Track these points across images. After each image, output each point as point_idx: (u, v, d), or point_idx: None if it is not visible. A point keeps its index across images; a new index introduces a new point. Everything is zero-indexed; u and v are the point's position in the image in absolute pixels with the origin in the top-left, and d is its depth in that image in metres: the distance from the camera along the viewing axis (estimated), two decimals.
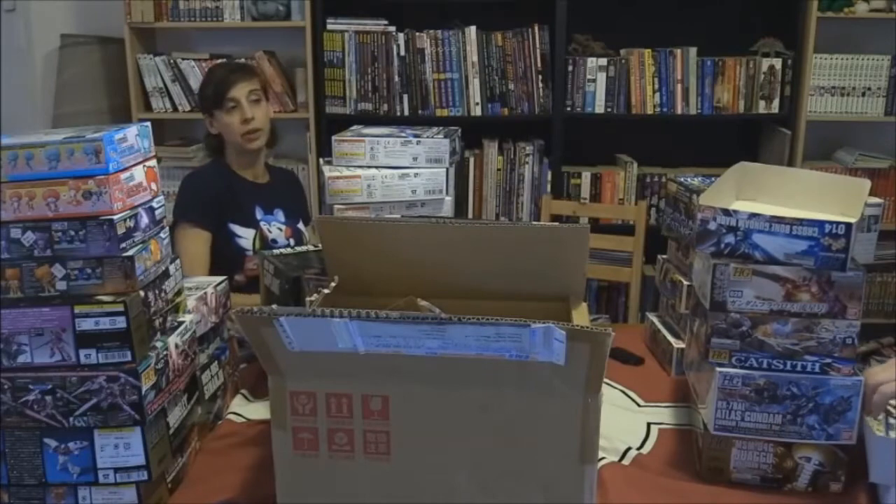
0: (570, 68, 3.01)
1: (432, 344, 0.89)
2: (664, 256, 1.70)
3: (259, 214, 2.18)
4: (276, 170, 2.38)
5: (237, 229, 2.14)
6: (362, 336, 0.89)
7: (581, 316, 1.18)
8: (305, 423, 0.97)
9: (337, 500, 1.00)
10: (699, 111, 3.04)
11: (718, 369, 1.16)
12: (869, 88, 3.03)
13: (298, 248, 1.61)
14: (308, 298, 1.35)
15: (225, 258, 2.07)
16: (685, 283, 1.52)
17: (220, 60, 3.06)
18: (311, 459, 0.98)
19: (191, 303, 1.31)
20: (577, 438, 0.95)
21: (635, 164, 3.11)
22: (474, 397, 0.94)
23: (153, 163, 1.18)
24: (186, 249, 2.08)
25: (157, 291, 1.16)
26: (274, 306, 0.92)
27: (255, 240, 2.14)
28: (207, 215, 2.12)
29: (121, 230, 1.07)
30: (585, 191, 3.14)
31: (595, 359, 0.88)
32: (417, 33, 3.00)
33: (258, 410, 1.42)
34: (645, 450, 1.31)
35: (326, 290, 1.23)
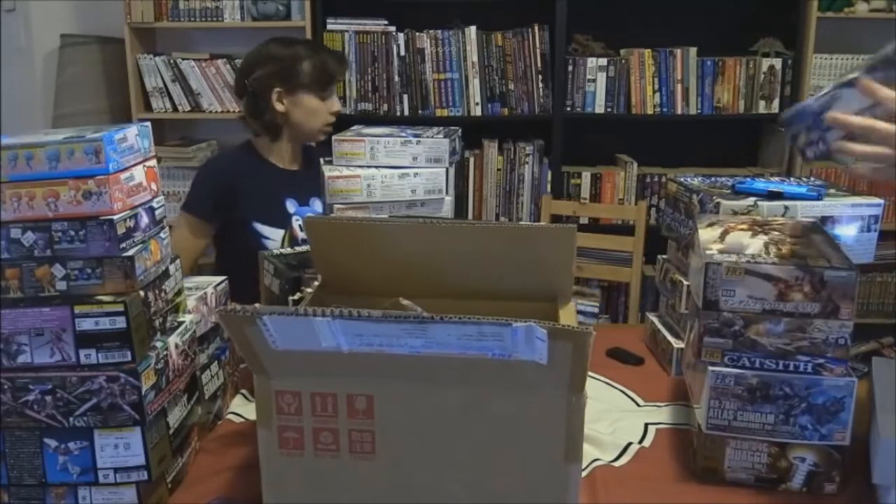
0: (570, 68, 3.01)
1: (415, 343, 0.89)
2: (664, 256, 1.70)
3: (292, 207, 2.07)
4: (310, 150, 2.22)
5: (263, 229, 2.03)
6: (345, 335, 0.89)
7: (568, 315, 1.18)
8: (291, 423, 0.97)
9: (322, 500, 1.00)
10: (699, 111, 3.04)
11: (710, 368, 1.16)
12: None
13: (298, 248, 1.61)
14: (291, 297, 1.35)
15: (251, 261, 1.77)
16: (685, 283, 1.52)
17: (221, 59, 3.06)
18: (296, 459, 0.98)
19: (191, 303, 1.31)
20: (562, 437, 0.94)
21: (635, 164, 3.11)
22: (458, 397, 0.94)
23: (153, 163, 1.18)
24: (172, 237, 2.04)
25: (157, 291, 1.16)
26: (257, 305, 0.93)
27: (284, 240, 2.04)
28: (211, 207, 2.05)
29: (121, 230, 1.07)
30: (585, 191, 3.14)
31: (578, 357, 0.88)
32: (417, 33, 3.00)
33: None
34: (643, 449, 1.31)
35: (310, 290, 1.23)
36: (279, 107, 2.08)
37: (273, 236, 2.05)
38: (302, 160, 2.18)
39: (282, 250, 1.60)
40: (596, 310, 2.85)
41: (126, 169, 1.10)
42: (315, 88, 2.09)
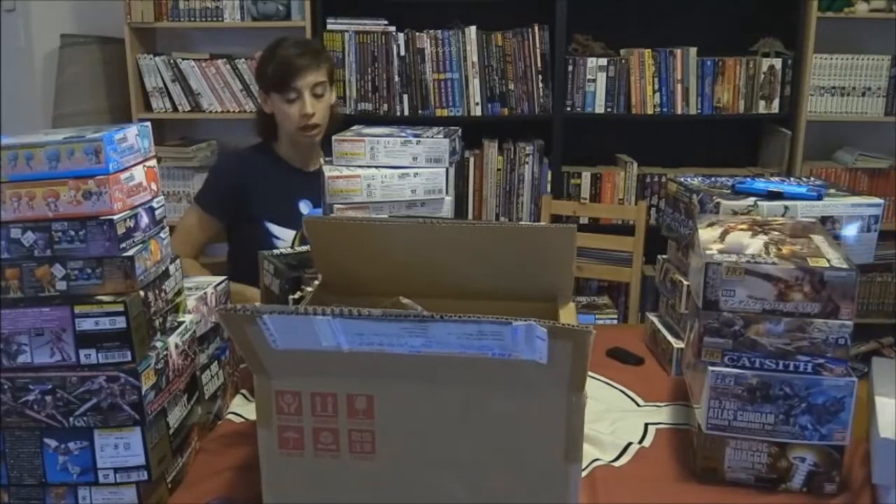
0: (570, 68, 3.01)
1: (415, 342, 0.89)
2: (664, 256, 1.70)
3: (306, 209, 2.03)
4: None
5: (275, 229, 2.01)
6: (345, 334, 0.89)
7: (568, 315, 1.18)
8: (291, 423, 0.97)
9: (322, 500, 1.00)
10: (699, 111, 3.04)
11: (710, 368, 1.16)
12: (869, 88, 3.03)
13: (298, 248, 1.61)
14: (291, 297, 1.35)
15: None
16: (685, 283, 1.52)
17: (221, 59, 3.06)
18: (296, 459, 0.98)
19: (191, 303, 1.31)
20: (562, 437, 0.95)
21: (635, 164, 3.11)
22: (458, 396, 0.95)
23: (153, 163, 1.18)
24: (181, 222, 2.04)
25: (157, 291, 1.16)
26: (257, 304, 0.93)
27: (294, 242, 2.01)
28: (218, 203, 2.04)
29: (121, 230, 1.07)
30: (585, 191, 3.14)
31: (577, 356, 0.88)
32: (417, 33, 3.00)
33: None
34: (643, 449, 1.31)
35: (310, 289, 1.23)
36: (265, 108, 2.08)
37: (283, 236, 2.03)
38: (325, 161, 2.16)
39: (282, 250, 1.60)
40: (615, 322, 2.87)
41: (126, 169, 1.10)
42: (277, 89, 2.00)
